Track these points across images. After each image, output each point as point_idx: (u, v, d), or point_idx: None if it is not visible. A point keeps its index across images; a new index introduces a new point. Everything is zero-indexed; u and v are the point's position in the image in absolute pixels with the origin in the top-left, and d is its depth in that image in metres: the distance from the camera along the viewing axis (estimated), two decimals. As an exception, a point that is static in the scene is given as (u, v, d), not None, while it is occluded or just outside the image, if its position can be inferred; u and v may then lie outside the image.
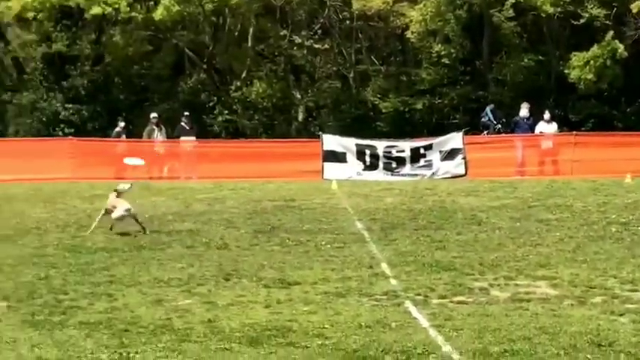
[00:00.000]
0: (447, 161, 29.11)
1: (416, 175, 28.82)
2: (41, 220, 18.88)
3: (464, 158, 28.97)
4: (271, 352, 8.74)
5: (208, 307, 10.75)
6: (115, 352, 8.76)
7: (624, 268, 12.81)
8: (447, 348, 8.84)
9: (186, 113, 32.77)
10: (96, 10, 37.56)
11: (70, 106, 39.32)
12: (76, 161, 30.11)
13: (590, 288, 11.61)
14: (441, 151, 29.24)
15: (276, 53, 42.49)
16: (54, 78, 40.40)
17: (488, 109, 32.47)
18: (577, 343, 8.97)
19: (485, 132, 31.92)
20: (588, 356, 8.56)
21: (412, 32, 38.19)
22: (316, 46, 41.74)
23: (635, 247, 14.77)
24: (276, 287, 11.83)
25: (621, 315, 10.16)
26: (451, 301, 11.00)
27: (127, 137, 32.53)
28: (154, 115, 32.52)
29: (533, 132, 30.71)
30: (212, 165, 30.75)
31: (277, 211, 20.22)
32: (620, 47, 35.47)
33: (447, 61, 38.74)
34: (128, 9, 37.89)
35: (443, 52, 38.44)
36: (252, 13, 40.28)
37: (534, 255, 14.13)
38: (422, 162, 29.15)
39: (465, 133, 30.36)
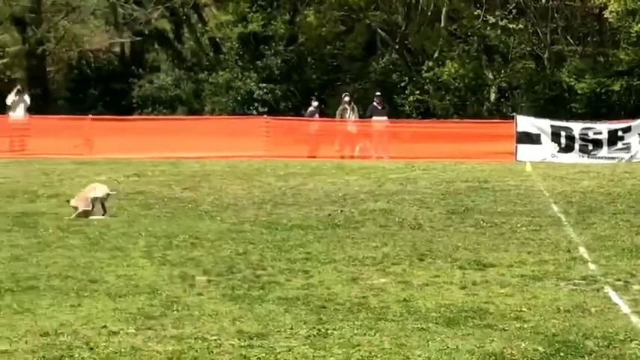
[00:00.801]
0: (646, 144, 28.34)
1: (613, 158, 28.17)
2: (238, 196, 19.31)
3: (664, 141, 28.14)
4: (469, 334, 8.69)
5: (403, 286, 10.77)
6: (314, 327, 8.88)
7: None
8: (650, 335, 8.62)
9: (378, 93, 32.94)
10: (290, -10, 38.12)
11: (264, 85, 40.11)
12: (270, 140, 30.71)
13: None
14: (640, 134, 28.48)
15: (469, 33, 42.16)
16: (249, 57, 41.28)
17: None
18: None
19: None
20: None
21: (610, 12, 37.19)
22: (510, 25, 41.14)
23: None
24: (471, 269, 11.75)
25: None
26: (653, 288, 10.71)
27: (319, 117, 32.91)
28: (346, 94, 32.78)
29: None
30: (404, 145, 30.81)
31: (471, 192, 20.10)
32: None
33: (647, 42, 37.61)
34: (323, -11, 38.30)
35: (642, 32, 37.33)
36: (446, -8, 40.04)
37: None
38: (620, 145, 28.48)
39: (665, 116, 29.46)
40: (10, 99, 31.74)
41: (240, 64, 41.43)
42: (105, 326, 8.82)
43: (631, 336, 8.57)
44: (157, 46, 48.39)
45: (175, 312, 9.43)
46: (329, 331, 8.75)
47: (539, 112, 33.51)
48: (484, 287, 10.71)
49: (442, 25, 41.97)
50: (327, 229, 14.97)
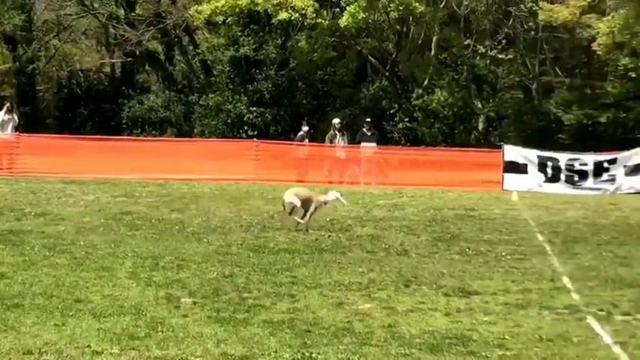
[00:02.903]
0: (631, 176, 28.52)
1: (599, 189, 28.32)
2: (226, 219, 19.34)
3: (649, 174, 28.30)
4: (452, 360, 8.78)
5: (388, 312, 10.85)
6: (298, 351, 8.94)
7: None
8: (630, 366, 8.70)
9: (368, 119, 33.06)
10: (283, 15, 38.25)
11: (254, 108, 40.15)
12: (259, 163, 30.77)
13: None
14: (625, 166, 28.66)
15: (458, 62, 42.34)
16: (240, 81, 41.33)
17: (676, 125, 31.59)
18: None
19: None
20: None
21: (599, 44, 37.43)
22: (500, 56, 41.35)
23: None
24: (455, 296, 11.84)
25: None
26: (635, 319, 10.77)
27: (309, 141, 32.99)
28: (337, 120, 32.88)
29: None
30: (392, 172, 30.91)
31: (457, 219, 20.20)
32: None
33: (634, 75, 37.78)
34: (314, 15, 38.41)
35: (630, 66, 37.52)
36: (437, 21, 40.20)
37: None
38: (605, 176, 28.64)
39: (651, 149, 29.60)
40: (0, 117, 31.76)
41: (231, 87, 41.47)
42: (89, 346, 8.86)
43: (612, 366, 8.66)
44: (147, 67, 48.43)
45: (160, 333, 9.48)
46: (313, 355, 8.81)
47: (527, 142, 33.63)
48: (468, 314, 10.79)
49: (432, 53, 42.15)
50: (314, 254, 15.03)
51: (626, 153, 29.28)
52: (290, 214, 18.01)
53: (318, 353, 8.89)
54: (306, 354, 8.86)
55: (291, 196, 18.01)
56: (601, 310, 11.18)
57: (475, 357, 8.91)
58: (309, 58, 41.56)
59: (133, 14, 44.58)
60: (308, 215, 17.81)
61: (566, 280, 13.10)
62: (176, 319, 10.11)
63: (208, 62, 44.57)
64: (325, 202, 18.21)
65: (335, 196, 18.32)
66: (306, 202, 17.86)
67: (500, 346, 9.31)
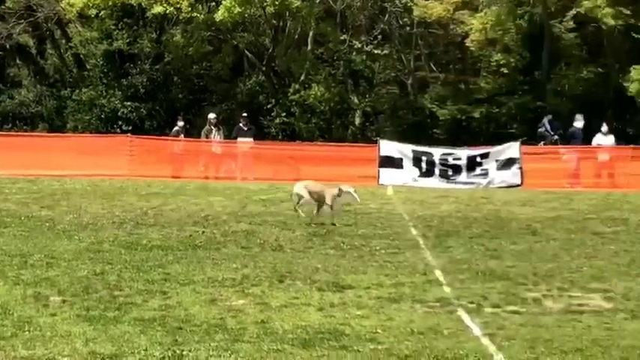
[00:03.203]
0: (503, 170, 28.99)
1: (472, 183, 28.74)
2: (98, 216, 19.05)
3: (520, 168, 28.83)
4: (324, 355, 8.77)
5: (262, 307, 10.81)
6: (169, 349, 8.83)
7: (680, 284, 12.68)
8: (498, 357, 8.82)
9: (244, 114, 32.95)
10: (157, 9, 37.90)
11: (129, 103, 39.71)
12: (133, 159, 30.38)
13: (645, 302, 11.52)
14: (497, 160, 29.13)
15: (335, 57, 42.58)
16: (114, 75, 40.81)
17: (545, 120, 32.26)
18: (629, 356, 8.92)
19: (542, 142, 31.71)
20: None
21: (472, 41, 38.09)
22: (375, 51, 41.77)
23: (692, 263, 14.59)
24: (329, 290, 11.85)
25: (676, 331, 10.06)
26: (504, 311, 10.95)
27: (185, 136, 32.72)
28: (212, 115, 32.68)
29: (587, 144, 30.54)
30: (268, 166, 30.85)
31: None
32: (683, 62, 35.08)
33: (506, 71, 38.59)
34: (189, 9, 38.18)
35: (502, 62, 38.30)
36: (313, 16, 40.37)
37: (588, 267, 14.03)
38: (478, 170, 29.05)
39: (522, 143, 30.15)
40: None
41: (105, 81, 40.90)
42: (-47, 347, 8.61)
43: (480, 358, 8.78)
44: (18, 61, 47.37)
45: (27, 333, 9.27)
46: (184, 353, 8.72)
47: (403, 137, 33.99)
48: (341, 309, 10.82)
49: (309, 48, 42.29)
50: (188, 250, 14.91)
51: (498, 147, 29.77)
52: (297, 205, 18.80)
53: (189, 350, 8.80)
54: (177, 351, 8.76)
55: (300, 188, 18.94)
56: (471, 302, 11.33)
57: (347, 351, 8.92)
58: (184, 52, 41.29)
59: (3, 7, 43.53)
60: (332, 209, 18.50)
61: (438, 273, 13.24)
62: (44, 318, 9.90)
63: (81, 56, 43.90)
64: (339, 195, 18.56)
65: (348, 191, 18.68)
66: (319, 196, 18.57)
67: (372, 340, 9.35)
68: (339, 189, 18.69)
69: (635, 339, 9.60)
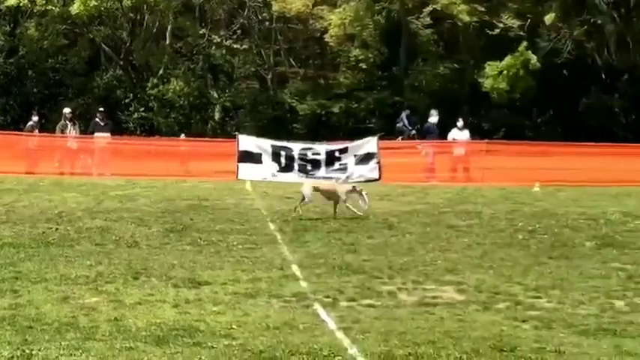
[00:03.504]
0: (361, 165, 29.21)
1: (330, 177, 28.79)
2: (-53, 213, 18.52)
3: (378, 163, 29.10)
4: (177, 352, 8.69)
5: (115, 305, 10.65)
6: (18, 348, 8.64)
7: (529, 276, 12.98)
8: (352, 350, 8.88)
9: (101, 109, 32.45)
10: (11, 1, 37.12)
11: (-18, 98, 38.76)
12: (-15, 154, 29.62)
13: (496, 294, 11.74)
14: (355, 155, 29.34)
15: (194, 52, 42.39)
16: (-35, 69, 39.80)
17: (403, 115, 32.73)
18: (480, 347, 9.08)
19: (400, 137, 32.15)
20: (490, 361, 8.69)
21: (331, 36, 38.40)
22: (235, 46, 41.74)
23: (540, 254, 14.97)
24: (185, 287, 11.76)
25: (524, 321, 10.29)
26: (359, 304, 11.04)
27: (39, 131, 32.05)
28: (67, 110, 32.09)
29: (442, 138, 31.12)
30: (126, 162, 30.45)
31: (190, 210, 20.10)
32: (533, 58, 36.07)
33: (365, 66, 39.03)
34: (44, 2, 37.51)
35: (361, 57, 38.72)
36: (171, 10, 40.10)
37: (442, 260, 14.24)
38: (337, 165, 29.20)
39: (380, 138, 30.48)
40: None
41: (-44, 75, 39.92)
42: None
43: (335, 352, 8.82)
44: None
45: None
46: (34, 352, 8.55)
47: (262, 132, 34.04)
48: (197, 305, 10.75)
49: (167, 42, 42.00)
50: (40, 248, 14.60)
51: (356, 142, 30.00)
52: (300, 203, 19.10)
53: (39, 350, 8.62)
54: (27, 351, 8.57)
55: (307, 187, 19.37)
56: (327, 296, 11.39)
57: (201, 348, 8.86)
58: (39, 45, 40.50)
59: None
60: (349, 205, 18.84)
61: (295, 268, 13.26)
62: None
63: None
64: (350, 191, 19.11)
65: (361, 189, 19.17)
66: (330, 194, 19.23)
67: (226, 336, 9.31)
68: (354, 187, 19.42)
69: (486, 330, 9.78)
